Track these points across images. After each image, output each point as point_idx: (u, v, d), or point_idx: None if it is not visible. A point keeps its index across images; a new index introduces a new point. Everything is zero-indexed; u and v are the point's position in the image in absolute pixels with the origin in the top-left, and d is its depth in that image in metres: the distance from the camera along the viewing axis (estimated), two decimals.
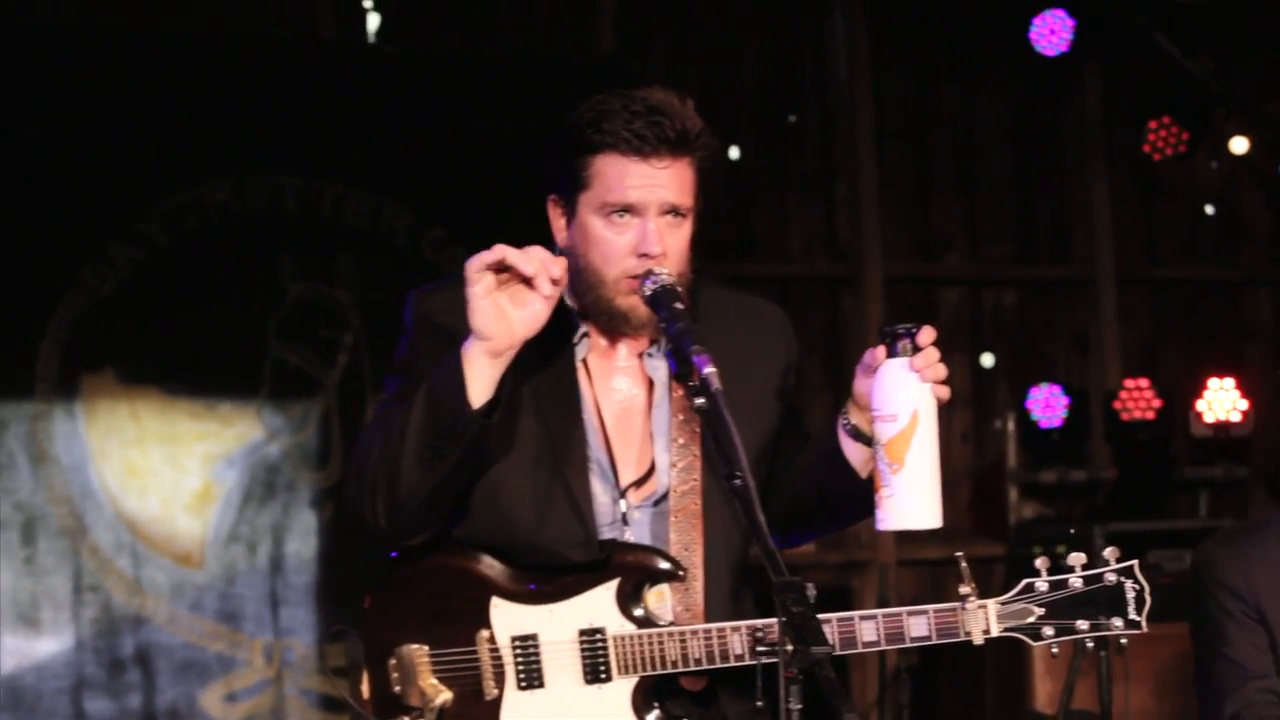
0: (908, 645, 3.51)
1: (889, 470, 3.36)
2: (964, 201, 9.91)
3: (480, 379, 3.40)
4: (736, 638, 3.47)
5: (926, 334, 3.46)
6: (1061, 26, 9.16)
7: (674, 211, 3.54)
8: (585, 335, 3.67)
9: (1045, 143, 10.04)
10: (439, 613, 3.54)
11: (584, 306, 3.64)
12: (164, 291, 7.71)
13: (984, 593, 3.54)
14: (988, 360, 9.87)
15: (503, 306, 3.39)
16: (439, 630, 3.53)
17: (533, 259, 3.37)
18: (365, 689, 3.55)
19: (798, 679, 2.96)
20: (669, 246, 3.53)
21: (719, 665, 3.48)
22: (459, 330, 3.43)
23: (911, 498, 3.38)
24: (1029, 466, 9.39)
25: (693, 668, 3.49)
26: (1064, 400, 9.18)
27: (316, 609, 7.83)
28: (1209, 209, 10.39)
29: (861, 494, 3.53)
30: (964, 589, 3.49)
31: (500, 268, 3.38)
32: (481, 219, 7.71)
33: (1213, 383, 9.37)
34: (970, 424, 9.84)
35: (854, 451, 3.62)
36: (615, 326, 3.61)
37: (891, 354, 3.44)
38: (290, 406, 7.94)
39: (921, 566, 9.23)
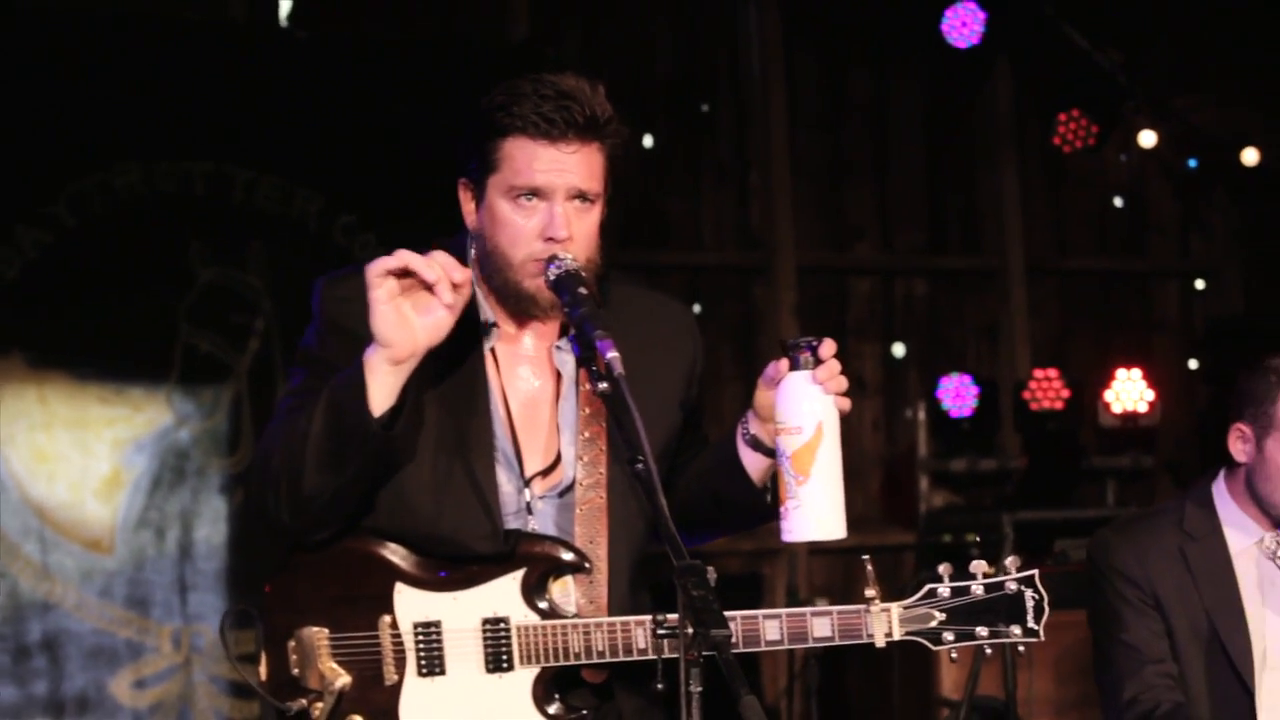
0: (810, 646, 3.56)
1: (795, 482, 3.39)
2: (876, 191, 9.96)
3: (382, 387, 3.37)
4: (640, 631, 3.48)
5: (828, 346, 3.47)
6: (973, 18, 9.23)
7: (582, 196, 3.53)
8: (494, 325, 3.65)
9: (957, 134, 10.11)
10: (341, 597, 3.51)
11: (492, 290, 3.63)
12: (72, 275, 7.63)
13: (893, 581, 3.62)
14: (899, 350, 9.93)
15: (405, 313, 3.36)
16: (341, 614, 3.51)
17: (434, 266, 3.34)
18: (263, 671, 3.52)
19: (698, 662, 2.96)
20: (576, 231, 3.52)
21: (621, 659, 3.50)
22: (365, 324, 3.40)
23: (818, 509, 3.42)
24: (939, 455, 9.46)
25: (595, 660, 3.50)
26: (974, 390, 9.24)
27: (226, 595, 7.79)
28: (1118, 201, 10.50)
29: (756, 503, 3.58)
30: (869, 592, 3.52)
31: (403, 273, 3.35)
32: (394, 205, 7.70)
33: (1120, 373, 9.46)
34: (881, 413, 9.89)
35: (752, 461, 3.65)
36: (523, 309, 3.59)
37: (794, 366, 3.46)
38: (200, 392, 7.89)
39: (832, 555, 9.26)
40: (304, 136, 7.93)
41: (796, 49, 9.64)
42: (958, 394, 9.24)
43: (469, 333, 3.58)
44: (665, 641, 3.42)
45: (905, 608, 3.53)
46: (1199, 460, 9.65)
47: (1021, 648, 3.57)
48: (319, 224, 8.03)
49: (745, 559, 9.08)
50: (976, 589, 3.54)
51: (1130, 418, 9.44)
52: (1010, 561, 3.56)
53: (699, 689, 2.96)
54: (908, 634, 3.52)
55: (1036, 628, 3.54)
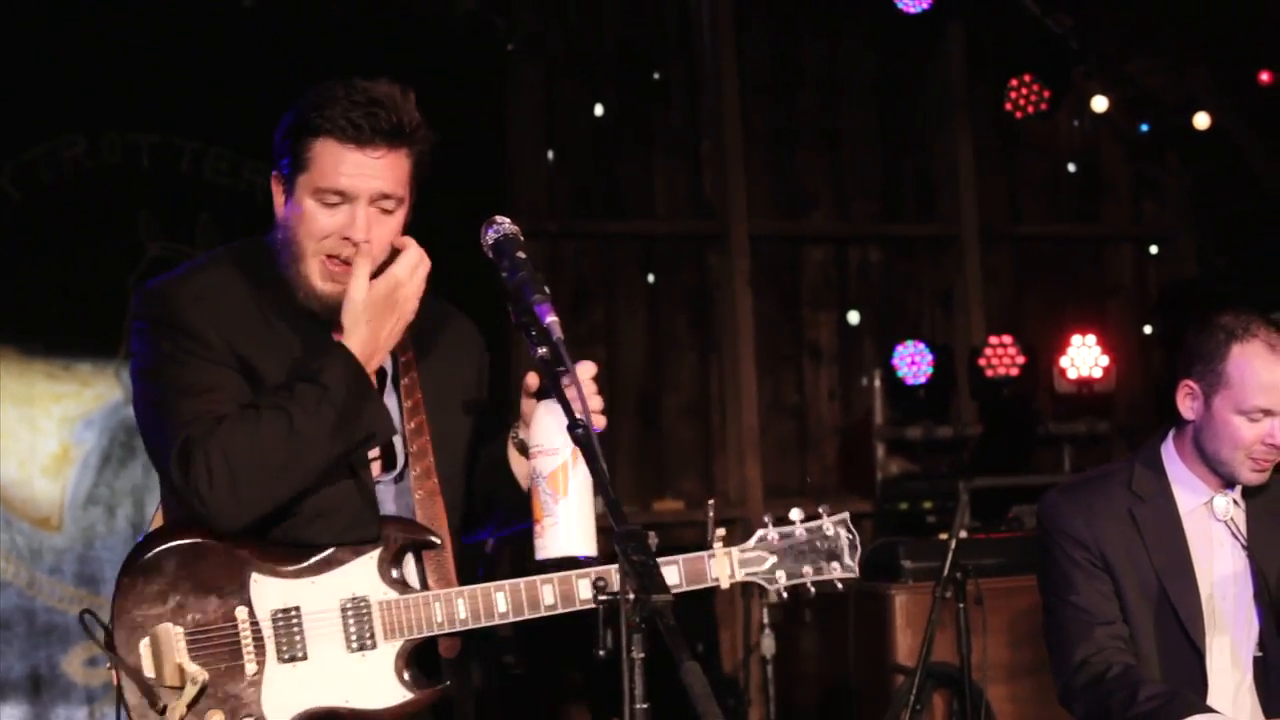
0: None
1: (550, 500, 3.44)
2: (829, 159, 9.95)
3: None
4: (549, 589, 3.58)
5: (585, 368, 3.50)
6: None
7: (384, 200, 3.60)
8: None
9: (909, 101, 10.09)
10: (195, 590, 3.49)
11: (286, 280, 3.67)
12: (18, 247, 7.60)
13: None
14: (854, 317, 9.93)
15: None
16: (195, 608, 3.48)
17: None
18: (119, 672, 3.46)
19: (639, 627, 2.94)
20: (375, 234, 3.60)
21: (485, 624, 3.58)
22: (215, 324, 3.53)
23: (570, 527, 3.45)
24: (895, 423, 9.45)
25: (459, 628, 3.57)
26: (929, 357, 9.24)
27: None
28: (1071, 166, 10.51)
29: (522, 504, 3.61)
30: (713, 537, 3.71)
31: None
32: None
33: (1075, 339, 9.48)
34: (837, 381, 9.89)
35: (519, 464, 3.77)
36: (309, 303, 3.64)
37: (542, 393, 3.53)
38: None
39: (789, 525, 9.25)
40: (252, 107, 7.85)
41: (747, 16, 9.61)
42: (913, 361, 9.23)
43: (302, 323, 3.66)
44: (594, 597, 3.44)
45: (742, 551, 3.72)
46: (1155, 425, 9.53)
47: (840, 585, 3.79)
48: (267, 196, 7.92)
49: (701, 530, 9.02)
50: (800, 532, 3.75)
51: (1085, 383, 9.46)
52: (824, 509, 3.80)
53: (641, 655, 2.94)
54: (747, 575, 3.72)
55: (852, 564, 3.78)
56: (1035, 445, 9.75)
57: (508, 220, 3.50)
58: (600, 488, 3.15)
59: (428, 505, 3.68)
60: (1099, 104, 9.80)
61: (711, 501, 3.74)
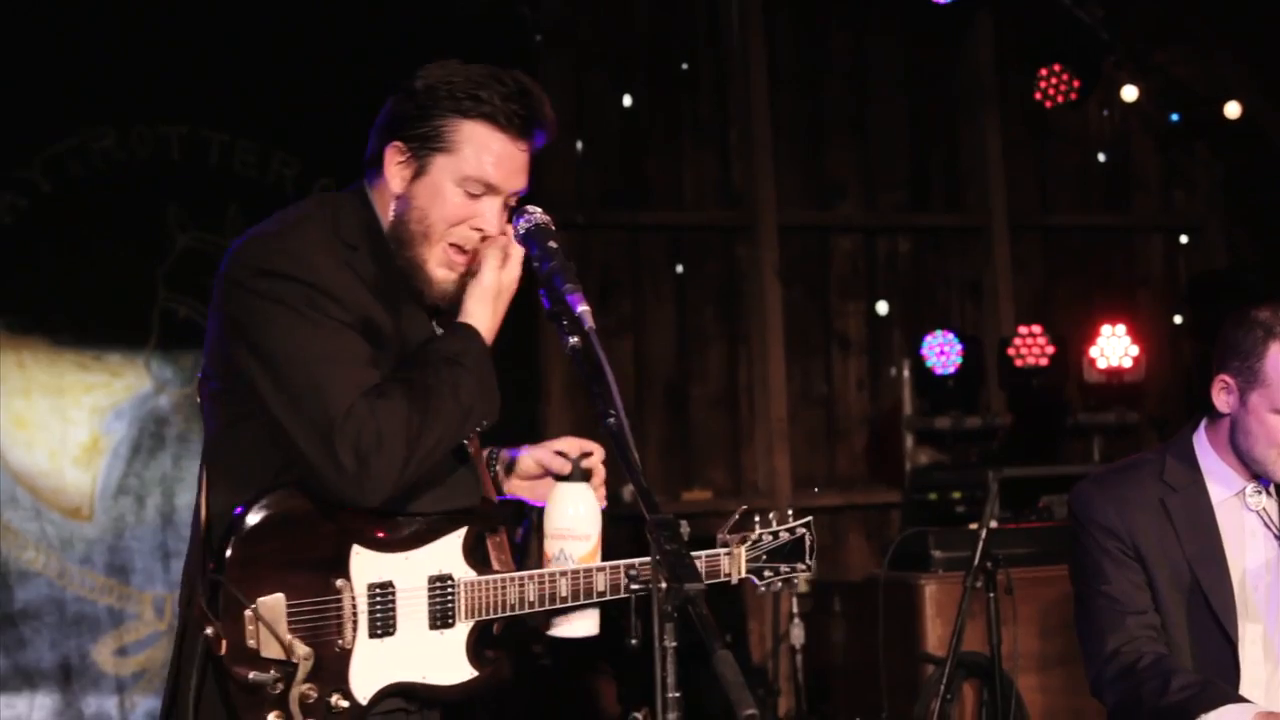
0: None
1: None
2: (858, 149, 9.93)
3: None
4: (601, 577, 3.63)
5: (599, 454, 3.75)
6: None
7: (515, 197, 3.58)
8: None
9: (938, 90, 10.07)
10: (298, 561, 3.42)
11: (400, 258, 3.59)
12: (49, 239, 7.61)
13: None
14: (882, 307, 9.92)
15: None
16: (297, 579, 3.41)
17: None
18: (224, 642, 3.35)
19: (671, 616, 2.93)
20: (497, 230, 3.56)
21: (549, 607, 3.64)
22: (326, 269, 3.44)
23: (593, 607, 3.74)
24: (924, 413, 9.42)
25: (527, 610, 3.59)
26: (958, 347, 9.21)
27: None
28: (1100, 156, 10.48)
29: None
30: (729, 536, 3.96)
31: None
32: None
33: (1105, 329, 9.44)
34: (865, 371, 9.88)
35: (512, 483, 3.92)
36: (418, 286, 3.57)
37: (574, 475, 3.73)
38: (179, 357, 7.86)
39: (817, 513, 9.25)
40: (280, 99, 7.89)
41: (775, 6, 9.59)
42: (942, 351, 9.21)
43: (417, 314, 3.63)
44: (624, 586, 3.60)
45: (748, 550, 3.98)
46: (1184, 415, 9.54)
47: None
48: (296, 188, 8.00)
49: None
50: (784, 534, 4.06)
51: (1115, 373, 9.43)
52: (791, 513, 4.12)
53: (674, 644, 2.93)
54: (747, 572, 3.98)
55: (810, 563, 4.10)
56: (1064, 435, 9.72)
57: (539, 210, 3.49)
58: (632, 476, 3.12)
59: (488, 486, 3.70)
60: (1129, 93, 9.76)
61: (745, 509, 4.00)
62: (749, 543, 3.97)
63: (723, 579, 3.93)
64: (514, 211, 3.51)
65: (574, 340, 3.28)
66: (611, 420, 3.17)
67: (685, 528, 3.09)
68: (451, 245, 3.52)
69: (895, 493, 9.42)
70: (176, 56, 7.71)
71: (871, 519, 9.68)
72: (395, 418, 3.35)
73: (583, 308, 3.26)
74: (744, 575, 3.96)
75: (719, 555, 3.92)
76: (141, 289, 7.76)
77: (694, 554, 3.56)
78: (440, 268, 3.54)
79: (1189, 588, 4.47)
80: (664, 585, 2.95)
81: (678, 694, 2.94)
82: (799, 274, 9.66)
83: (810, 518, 4.12)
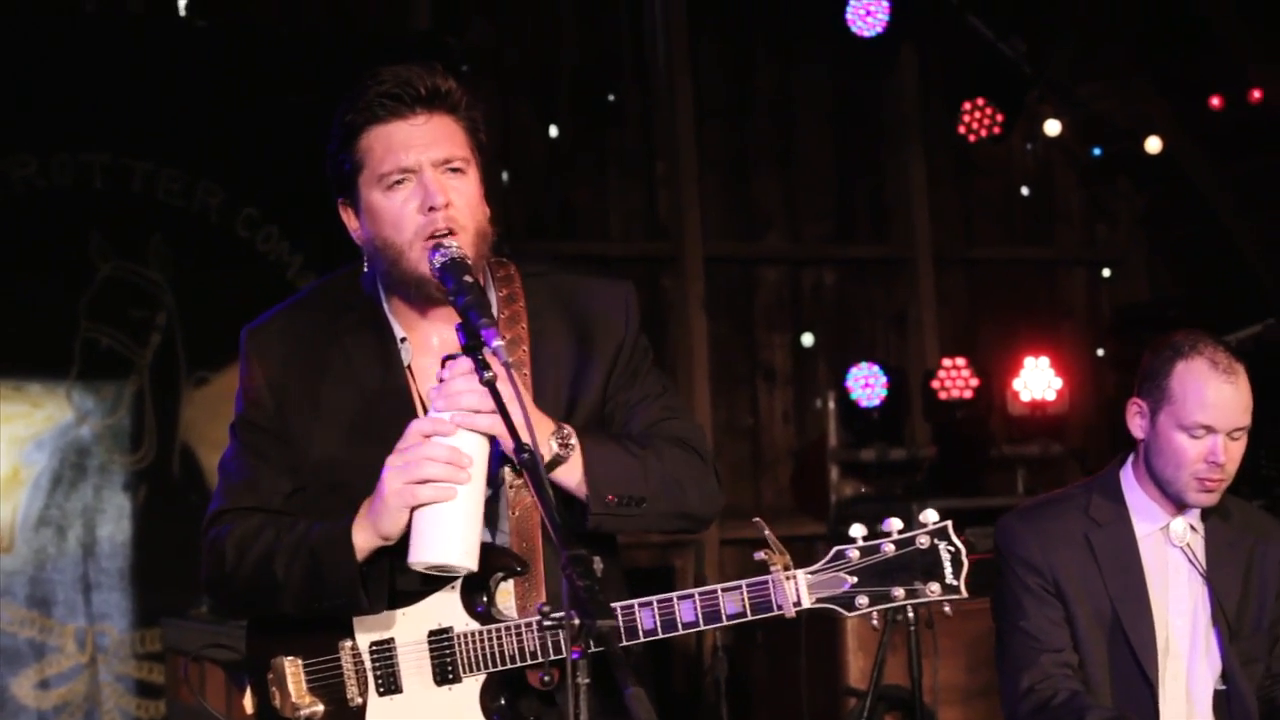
0: (725, 624, 3.44)
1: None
2: (783, 181, 9.95)
3: (365, 553, 3.43)
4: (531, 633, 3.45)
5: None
6: (877, 7, 9.22)
7: (448, 164, 3.51)
8: (404, 340, 3.64)
9: (863, 123, 10.11)
10: (309, 623, 3.50)
11: (391, 286, 3.60)
12: None
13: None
14: (808, 339, 9.93)
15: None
16: (309, 640, 3.50)
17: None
18: (249, 703, 3.52)
19: (585, 653, 2.90)
20: (455, 199, 3.50)
21: (554, 658, 3.36)
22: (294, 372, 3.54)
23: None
24: (849, 445, 9.43)
25: (529, 661, 3.42)
26: (883, 379, 9.23)
27: (130, 593, 7.71)
28: (1024, 190, 10.55)
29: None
30: (771, 558, 3.40)
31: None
32: (296, 197, 7.60)
33: (1028, 361, 9.49)
34: (791, 403, 9.89)
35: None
36: (425, 294, 3.53)
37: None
38: (102, 387, 7.81)
39: (744, 545, 9.24)
40: (204, 128, 7.85)
41: (702, 39, 9.61)
42: (867, 384, 9.23)
43: (388, 359, 3.61)
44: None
45: (812, 574, 3.38)
46: (1108, 447, 9.69)
47: (947, 608, 3.38)
48: (220, 217, 7.96)
49: (656, 551, 9.03)
50: (888, 548, 3.35)
51: (1039, 406, 9.47)
52: (925, 515, 3.37)
53: (586, 681, 2.90)
54: (818, 601, 3.36)
55: (956, 583, 3.33)
56: (988, 467, 9.76)
57: (455, 244, 3.44)
58: (545, 511, 3.08)
59: (522, 523, 3.56)
60: (1052, 128, 9.84)
61: (757, 520, 3.44)
62: (824, 561, 3.40)
63: (776, 612, 3.36)
64: (433, 248, 3.46)
65: (489, 375, 3.23)
66: (525, 455, 3.15)
67: (599, 563, 3.03)
68: (426, 240, 3.47)
69: (820, 525, 9.42)
70: (99, 85, 7.67)
71: (797, 551, 9.59)
72: (220, 557, 3.55)
73: (498, 342, 3.21)
74: (807, 606, 3.36)
75: (767, 584, 3.38)
76: (63, 319, 7.69)
77: (736, 584, 3.39)
78: (425, 264, 3.47)
79: (1110, 625, 4.48)
80: (576, 621, 2.89)
81: None
82: (724, 306, 9.67)
83: (949, 522, 3.35)
